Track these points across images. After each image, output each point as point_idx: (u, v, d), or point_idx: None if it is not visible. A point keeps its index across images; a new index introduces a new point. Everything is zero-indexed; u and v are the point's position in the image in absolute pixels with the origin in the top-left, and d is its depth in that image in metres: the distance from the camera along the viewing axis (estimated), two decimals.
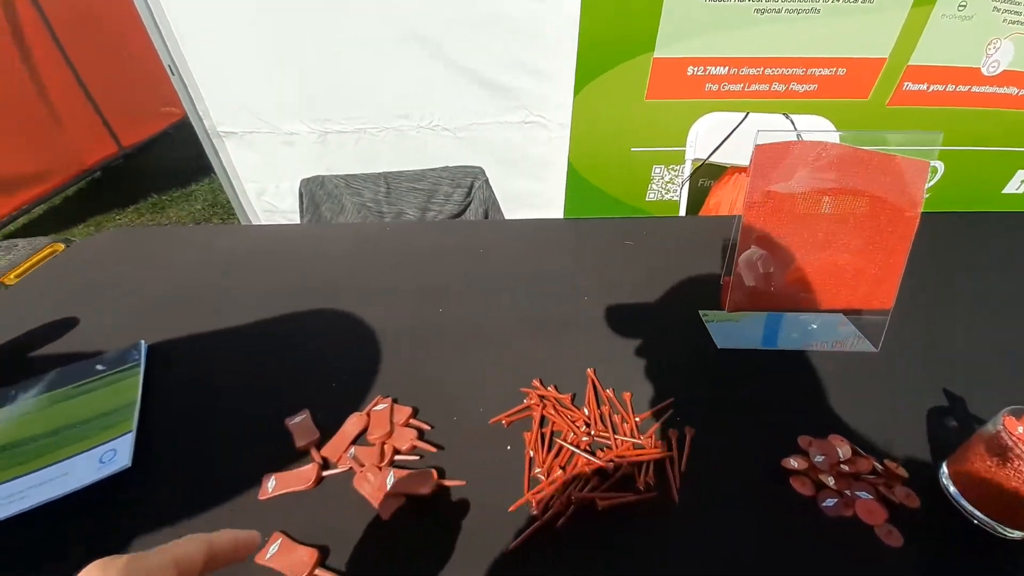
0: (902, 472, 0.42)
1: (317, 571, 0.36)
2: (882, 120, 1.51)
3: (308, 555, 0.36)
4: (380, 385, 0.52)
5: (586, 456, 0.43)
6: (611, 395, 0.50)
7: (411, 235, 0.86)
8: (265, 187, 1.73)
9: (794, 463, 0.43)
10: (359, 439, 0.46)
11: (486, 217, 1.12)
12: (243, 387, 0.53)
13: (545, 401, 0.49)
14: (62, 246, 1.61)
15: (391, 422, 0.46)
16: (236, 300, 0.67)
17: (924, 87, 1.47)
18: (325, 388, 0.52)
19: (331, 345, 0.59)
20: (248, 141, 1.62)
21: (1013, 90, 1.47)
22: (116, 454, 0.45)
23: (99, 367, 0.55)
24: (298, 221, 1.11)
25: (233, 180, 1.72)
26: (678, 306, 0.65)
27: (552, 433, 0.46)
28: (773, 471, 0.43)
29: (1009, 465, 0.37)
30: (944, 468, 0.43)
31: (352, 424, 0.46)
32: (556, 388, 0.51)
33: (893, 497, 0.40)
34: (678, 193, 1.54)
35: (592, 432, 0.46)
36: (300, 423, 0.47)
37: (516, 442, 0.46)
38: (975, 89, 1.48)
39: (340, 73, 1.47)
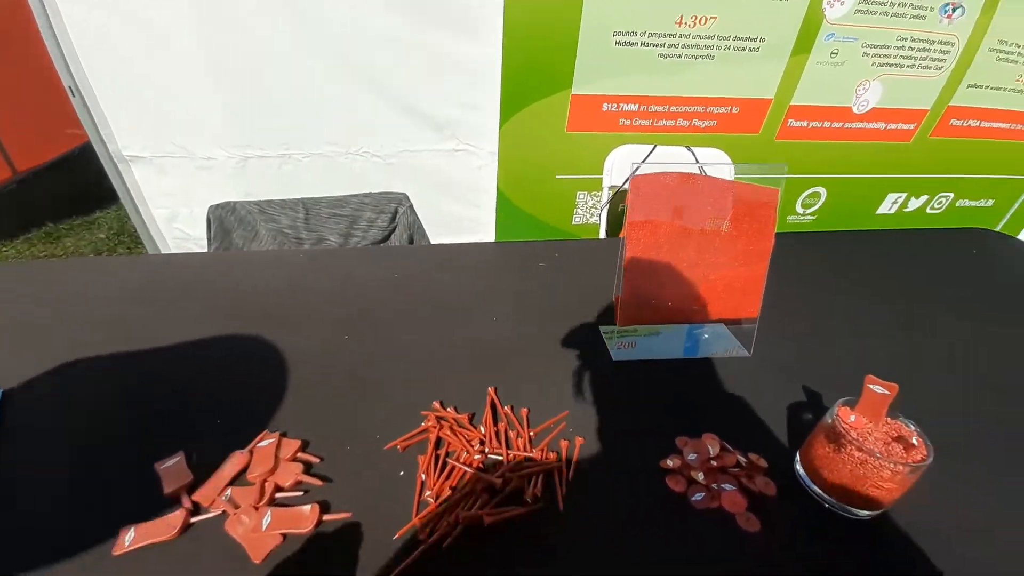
0: (763, 463, 0.47)
1: None
2: (772, 152, 1.70)
3: None
4: (271, 419, 0.50)
5: (476, 473, 0.44)
6: (509, 412, 0.52)
7: (326, 263, 0.85)
8: (177, 212, 1.63)
9: (670, 463, 0.46)
10: (238, 479, 0.43)
11: (411, 243, 1.12)
12: (112, 431, 0.49)
13: (442, 422, 0.49)
14: None
15: (276, 457, 0.44)
16: (116, 335, 0.62)
17: (805, 123, 1.68)
18: (208, 426, 0.49)
19: (220, 379, 0.56)
20: (158, 166, 1.52)
21: (881, 125, 1.71)
22: None
23: None
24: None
25: (140, 206, 1.60)
26: (583, 323, 0.68)
27: (447, 454, 0.47)
28: (653, 472, 0.46)
29: (843, 451, 0.42)
30: (797, 457, 0.47)
31: (232, 463, 0.44)
32: (456, 409, 0.52)
33: (753, 487, 0.44)
34: (599, 217, 1.63)
35: (486, 450, 0.46)
36: (171, 467, 0.44)
37: (411, 467, 0.46)
38: (848, 125, 1.71)
39: (263, 97, 1.43)
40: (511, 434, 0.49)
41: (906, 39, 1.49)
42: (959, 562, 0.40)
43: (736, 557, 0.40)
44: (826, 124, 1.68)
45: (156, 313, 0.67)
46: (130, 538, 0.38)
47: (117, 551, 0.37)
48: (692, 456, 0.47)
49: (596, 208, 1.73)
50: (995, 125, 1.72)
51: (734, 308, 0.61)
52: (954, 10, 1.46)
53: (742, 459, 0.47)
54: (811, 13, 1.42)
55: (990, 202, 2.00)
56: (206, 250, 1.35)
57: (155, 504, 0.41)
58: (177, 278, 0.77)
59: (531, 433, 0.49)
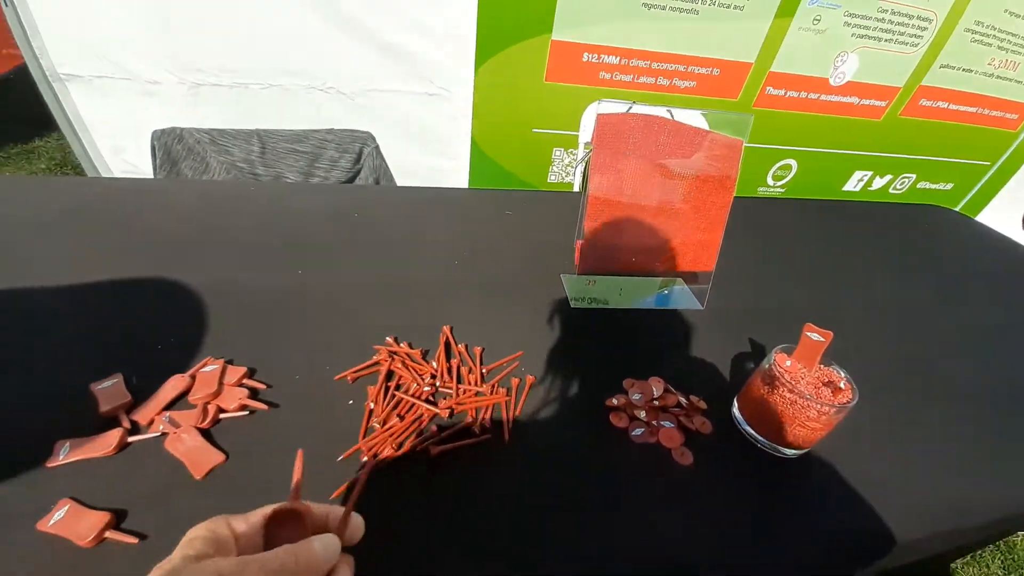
0: (702, 404, 0.49)
1: (108, 533, 0.33)
2: None
3: (98, 518, 0.33)
4: (216, 347, 0.49)
5: (424, 405, 0.44)
6: (462, 350, 0.52)
7: (280, 196, 0.81)
8: (123, 144, 1.50)
9: (615, 401, 0.48)
10: (178, 401, 0.42)
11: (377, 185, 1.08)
12: (44, 354, 0.46)
13: (395, 356, 0.49)
14: None
15: (220, 383, 0.43)
16: (58, 258, 0.58)
17: (782, 92, 1.67)
18: (147, 351, 0.47)
19: (162, 305, 0.53)
20: (98, 87, 1.38)
21: (855, 99, 1.73)
22: None
23: None
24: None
25: (80, 133, 1.47)
26: (544, 270, 0.68)
27: (397, 387, 0.47)
28: (598, 410, 0.48)
29: (777, 392, 0.45)
30: (735, 400, 0.50)
31: (171, 386, 0.43)
32: (409, 345, 0.52)
33: (691, 425, 0.47)
34: (574, 175, 1.61)
35: (437, 383, 0.47)
36: (108, 388, 0.42)
37: (361, 397, 0.46)
38: (823, 97, 1.72)
39: (213, 16, 1.30)
40: (463, 370, 0.49)
41: (887, 11, 1.48)
42: (876, 501, 0.44)
43: (669, 488, 0.42)
44: (802, 94, 1.69)
45: (99, 237, 0.63)
46: (64, 452, 0.37)
47: (51, 464, 0.36)
48: (636, 396, 0.49)
49: (572, 166, 1.70)
50: (963, 108, 1.77)
51: (691, 261, 0.62)
52: None
53: (683, 400, 0.49)
54: None
55: (949, 185, 2.09)
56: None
57: (92, 424, 0.40)
58: (122, 202, 0.72)
59: (484, 370, 0.50)
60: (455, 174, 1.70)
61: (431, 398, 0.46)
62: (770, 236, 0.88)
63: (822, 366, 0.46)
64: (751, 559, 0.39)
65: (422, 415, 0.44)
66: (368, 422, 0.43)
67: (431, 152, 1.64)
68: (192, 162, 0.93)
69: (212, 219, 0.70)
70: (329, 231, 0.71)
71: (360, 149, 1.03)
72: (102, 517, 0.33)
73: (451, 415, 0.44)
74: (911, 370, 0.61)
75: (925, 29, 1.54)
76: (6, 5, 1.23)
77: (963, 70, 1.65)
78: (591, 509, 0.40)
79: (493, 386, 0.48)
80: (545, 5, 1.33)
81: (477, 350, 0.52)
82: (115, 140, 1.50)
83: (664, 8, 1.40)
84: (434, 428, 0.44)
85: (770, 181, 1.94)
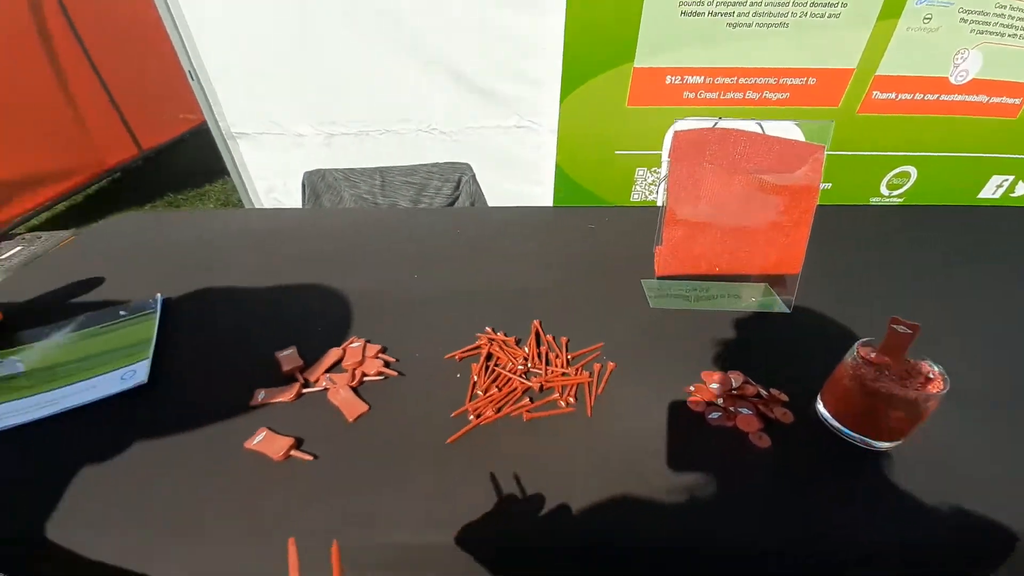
0: (783, 397, 0.51)
1: (293, 452, 0.45)
2: (853, 127, 1.59)
3: (286, 442, 0.46)
4: (358, 330, 0.62)
5: (518, 379, 0.52)
6: (551, 339, 0.59)
7: (399, 219, 0.97)
8: (274, 184, 1.86)
9: (692, 388, 0.52)
10: (335, 367, 0.55)
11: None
12: (242, 332, 0.63)
13: (493, 342, 0.58)
14: None
15: (363, 355, 0.56)
16: (241, 267, 0.77)
17: (893, 95, 1.55)
18: (311, 331, 0.62)
19: (319, 300, 0.69)
20: (260, 142, 1.75)
21: (983, 98, 1.55)
22: (135, 374, 0.54)
23: (122, 312, 0.65)
24: None
25: (244, 178, 1.85)
26: (625, 276, 0.73)
27: (496, 366, 0.55)
28: (675, 397, 0.52)
29: (860, 383, 0.45)
30: (819, 396, 0.51)
31: (330, 356, 0.56)
32: (504, 334, 0.60)
33: (770, 414, 0.49)
34: (657, 193, 1.64)
35: (528, 364, 0.55)
36: (287, 355, 0.56)
37: (466, 372, 0.55)
38: (943, 97, 1.56)
39: (344, 80, 1.59)
40: (551, 355, 0.57)
41: (1005, 6, 1.33)
42: (969, 500, 0.42)
43: (744, 469, 0.45)
44: (918, 96, 1.55)
45: (275, 250, 0.82)
46: (261, 396, 0.51)
47: (252, 404, 0.50)
48: (715, 385, 0.52)
49: (655, 185, 1.73)
50: None
51: (776, 263, 0.63)
52: None
53: (763, 391, 0.51)
54: None
55: None
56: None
57: (278, 379, 0.54)
58: (284, 227, 0.92)
59: (568, 356, 0.57)
60: (542, 198, 1.82)
61: (524, 375, 0.54)
62: (872, 242, 0.84)
63: (911, 359, 0.46)
64: (826, 543, 0.40)
65: (516, 388, 0.52)
66: (472, 391, 0.52)
67: (518, 179, 1.78)
68: (330, 195, 1.15)
69: (349, 237, 0.87)
70: (436, 245, 0.84)
71: (459, 178, 1.19)
72: (288, 441, 0.46)
73: (541, 389, 0.52)
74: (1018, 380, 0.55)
75: None
76: (192, 79, 1.62)
77: None
78: (664, 483, 0.44)
79: (577, 370, 0.54)
80: (627, 38, 1.42)
81: (563, 340, 0.59)
82: (267, 182, 1.86)
83: (751, 25, 1.40)
84: (526, 400, 0.51)
85: (884, 191, 1.78)
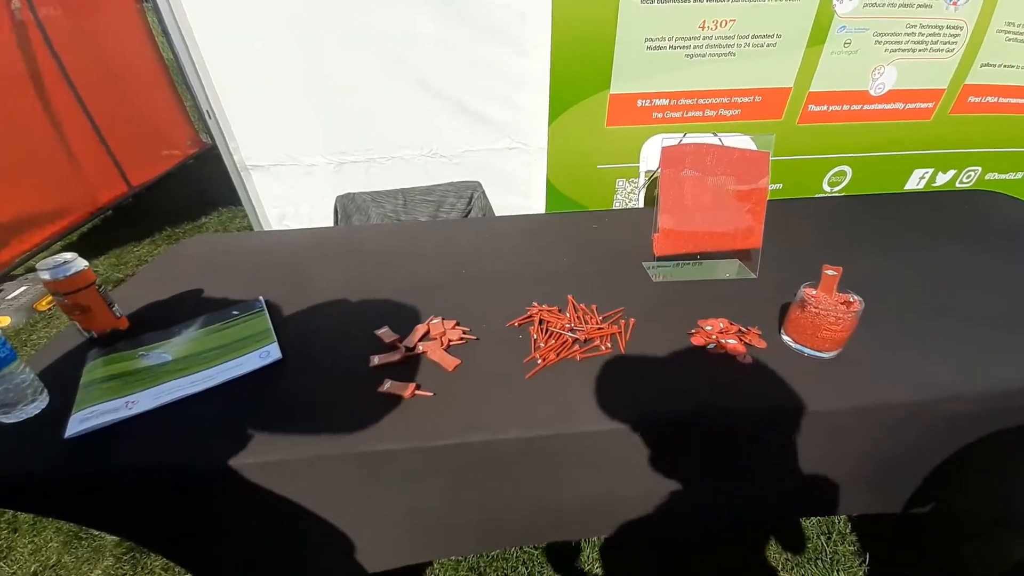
0: (757, 331, 0.71)
1: (416, 392, 0.62)
2: (795, 136, 1.87)
3: (410, 386, 0.62)
4: (435, 310, 0.79)
5: (568, 335, 0.70)
6: (584, 307, 0.78)
7: (432, 230, 1.14)
8: (285, 212, 1.99)
9: (693, 331, 0.71)
10: (424, 337, 0.72)
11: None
12: (338, 318, 0.79)
13: (541, 312, 0.76)
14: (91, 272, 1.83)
15: (444, 326, 0.73)
16: (320, 272, 0.93)
17: (825, 108, 1.84)
18: (398, 313, 0.78)
19: (392, 291, 0.85)
20: (273, 173, 1.89)
21: (899, 105, 1.85)
22: (270, 353, 0.70)
23: (234, 312, 0.80)
24: None
25: (257, 207, 1.98)
26: (629, 261, 0.93)
27: (547, 328, 0.73)
28: (681, 339, 0.71)
29: (807, 311, 0.66)
30: (781, 328, 0.71)
31: (418, 330, 0.73)
32: (547, 306, 0.79)
33: (749, 342, 0.68)
34: (637, 200, 1.87)
35: (571, 325, 0.73)
36: (384, 331, 0.73)
37: (525, 335, 0.73)
38: (866, 107, 1.86)
39: (353, 114, 1.77)
40: (587, 317, 0.75)
41: (915, 26, 1.64)
42: (884, 380, 0.62)
43: (738, 380, 0.64)
44: (845, 107, 1.84)
45: (328, 259, 0.98)
46: (376, 360, 0.67)
47: (371, 365, 0.67)
48: (708, 327, 0.71)
49: (634, 193, 1.96)
50: (1013, 100, 1.83)
51: (743, 240, 0.84)
52: None
53: (743, 329, 0.71)
54: (822, 10, 1.60)
55: (1020, 174, 2.07)
56: None
57: (384, 348, 0.70)
58: (327, 242, 1.08)
59: (599, 318, 0.75)
60: (534, 210, 2.02)
61: (570, 330, 0.72)
62: (816, 224, 1.07)
63: (838, 292, 0.66)
64: (796, 411, 0.59)
65: (566, 340, 0.70)
66: (535, 344, 0.70)
67: (512, 193, 1.98)
68: (359, 216, 1.31)
69: (404, 245, 1.04)
70: (470, 247, 1.02)
71: (471, 194, 1.37)
72: (411, 385, 0.62)
73: (585, 340, 0.70)
74: (925, 299, 0.77)
75: (957, 36, 1.67)
76: (210, 117, 1.77)
77: (1005, 67, 1.73)
78: (682, 388, 0.63)
79: (608, 326, 0.73)
80: (603, 70, 1.66)
81: (593, 307, 0.78)
82: (280, 210, 1.99)
83: (704, 56, 1.66)
84: (576, 347, 0.69)
85: (826, 187, 2.06)
